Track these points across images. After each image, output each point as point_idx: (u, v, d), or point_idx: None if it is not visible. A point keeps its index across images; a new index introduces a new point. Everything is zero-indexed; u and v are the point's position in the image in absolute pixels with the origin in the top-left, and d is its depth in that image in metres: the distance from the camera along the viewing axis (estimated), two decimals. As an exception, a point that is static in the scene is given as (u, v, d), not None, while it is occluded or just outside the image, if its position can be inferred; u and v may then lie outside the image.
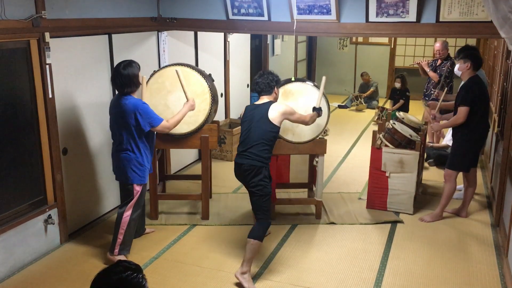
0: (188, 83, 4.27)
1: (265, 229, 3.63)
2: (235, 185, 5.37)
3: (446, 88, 5.78)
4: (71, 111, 4.15)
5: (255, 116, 3.63)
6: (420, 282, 3.62)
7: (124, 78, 3.65)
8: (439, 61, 6.22)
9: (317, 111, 3.97)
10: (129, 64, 3.70)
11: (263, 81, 3.70)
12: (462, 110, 4.35)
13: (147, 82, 4.20)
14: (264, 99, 3.71)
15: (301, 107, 4.17)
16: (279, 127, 3.65)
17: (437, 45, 6.19)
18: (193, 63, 5.90)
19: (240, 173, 3.64)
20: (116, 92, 3.89)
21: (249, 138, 3.59)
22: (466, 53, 4.45)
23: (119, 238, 3.79)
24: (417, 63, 6.45)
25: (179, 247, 4.14)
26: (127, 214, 3.79)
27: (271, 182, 3.69)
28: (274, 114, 3.58)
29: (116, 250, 3.78)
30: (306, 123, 3.86)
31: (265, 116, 3.58)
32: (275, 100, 3.78)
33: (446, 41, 6.22)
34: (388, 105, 8.85)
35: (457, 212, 4.76)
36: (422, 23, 4.19)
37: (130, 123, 3.65)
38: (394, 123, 4.92)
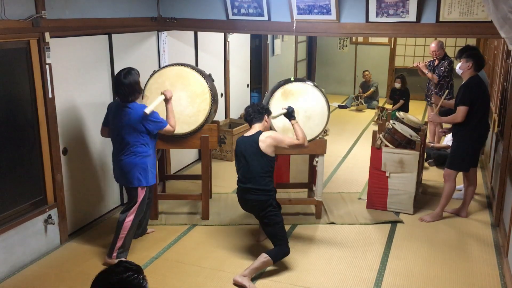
0: (188, 83, 4.28)
1: (282, 254, 3.66)
2: (235, 185, 5.35)
3: (447, 91, 5.78)
4: (71, 111, 4.14)
5: (247, 149, 3.64)
6: (420, 282, 3.62)
7: (127, 87, 3.68)
8: (436, 61, 6.23)
9: (289, 114, 3.85)
10: (128, 72, 3.72)
11: (253, 109, 3.75)
12: (461, 110, 4.36)
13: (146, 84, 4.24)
14: (255, 128, 3.72)
15: (301, 107, 4.17)
16: (274, 156, 3.68)
17: (433, 45, 6.21)
18: (193, 63, 5.90)
19: (247, 207, 3.77)
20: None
21: (250, 173, 3.63)
22: (469, 53, 4.46)
23: (118, 242, 3.77)
24: (415, 66, 6.45)
25: (179, 247, 4.14)
26: (129, 219, 3.79)
27: (280, 209, 3.75)
28: (263, 147, 3.59)
29: (114, 254, 3.77)
30: (301, 145, 3.72)
31: (257, 149, 3.60)
32: (266, 129, 3.78)
33: (441, 41, 6.23)
34: (388, 105, 8.85)
35: (457, 212, 4.76)
36: (422, 23, 4.19)
37: (138, 129, 3.71)
38: (394, 123, 4.92)
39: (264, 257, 3.57)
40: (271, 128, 4.03)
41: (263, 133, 3.66)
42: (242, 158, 3.67)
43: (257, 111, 3.74)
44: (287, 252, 3.67)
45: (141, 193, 3.82)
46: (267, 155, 3.62)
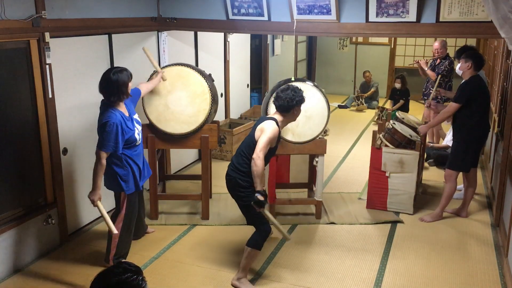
0: (188, 83, 4.28)
1: (262, 237, 3.49)
2: (235, 185, 5.37)
3: (438, 78, 5.78)
4: (71, 111, 4.15)
5: (254, 127, 3.49)
6: (420, 282, 3.63)
7: (112, 84, 3.40)
8: (438, 61, 6.23)
9: None
10: (120, 71, 3.47)
11: (284, 97, 3.42)
12: (452, 106, 4.39)
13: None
14: (276, 115, 3.50)
15: (302, 107, 4.16)
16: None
17: (436, 44, 6.21)
18: (193, 63, 5.90)
19: (226, 183, 3.55)
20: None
21: (238, 148, 3.51)
22: (468, 53, 4.47)
23: (112, 251, 3.71)
24: (416, 62, 6.46)
25: (179, 247, 4.14)
26: (118, 227, 3.64)
27: (255, 192, 3.38)
28: (257, 133, 3.40)
29: (111, 261, 3.72)
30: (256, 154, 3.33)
31: (254, 131, 3.44)
32: (293, 119, 3.57)
33: (444, 41, 6.24)
34: (388, 105, 8.85)
35: (457, 212, 4.77)
36: (422, 23, 4.19)
37: None
38: (394, 123, 4.92)
39: (247, 251, 3.47)
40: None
41: (267, 121, 3.42)
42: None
43: (287, 103, 3.40)
44: (267, 231, 3.47)
45: (124, 200, 3.66)
46: (254, 138, 3.40)
